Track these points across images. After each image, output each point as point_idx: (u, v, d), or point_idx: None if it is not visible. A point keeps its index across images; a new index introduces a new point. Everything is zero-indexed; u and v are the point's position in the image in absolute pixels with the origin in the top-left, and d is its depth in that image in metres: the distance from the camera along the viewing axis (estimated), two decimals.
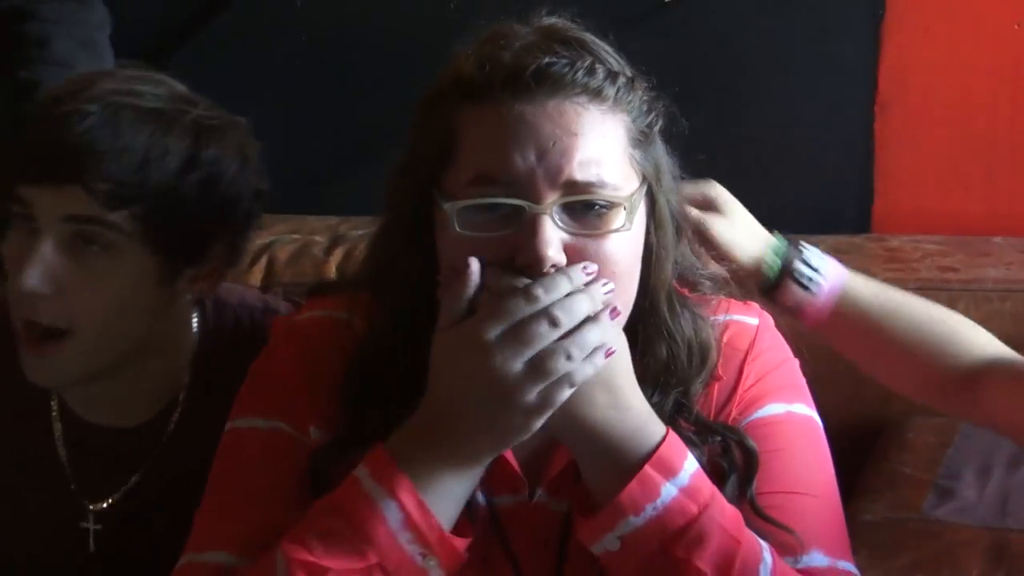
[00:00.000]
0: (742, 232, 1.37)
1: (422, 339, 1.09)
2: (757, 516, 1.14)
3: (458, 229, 1.04)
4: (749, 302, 1.30)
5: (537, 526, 1.18)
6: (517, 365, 1.00)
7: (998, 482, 1.69)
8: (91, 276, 1.29)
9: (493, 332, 1.00)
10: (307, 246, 2.04)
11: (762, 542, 1.11)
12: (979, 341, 1.40)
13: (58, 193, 1.25)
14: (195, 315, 1.47)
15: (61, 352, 1.32)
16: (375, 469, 1.07)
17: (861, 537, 1.57)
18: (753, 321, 1.28)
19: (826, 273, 1.35)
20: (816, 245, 1.61)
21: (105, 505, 1.47)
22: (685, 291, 1.22)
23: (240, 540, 1.15)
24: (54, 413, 1.46)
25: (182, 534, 1.27)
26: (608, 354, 1.03)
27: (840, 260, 1.80)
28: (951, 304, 1.65)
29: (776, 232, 1.36)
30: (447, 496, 1.08)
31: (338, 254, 1.94)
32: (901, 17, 2.13)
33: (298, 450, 1.18)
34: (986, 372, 1.36)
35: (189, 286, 1.38)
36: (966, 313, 1.59)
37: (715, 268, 1.29)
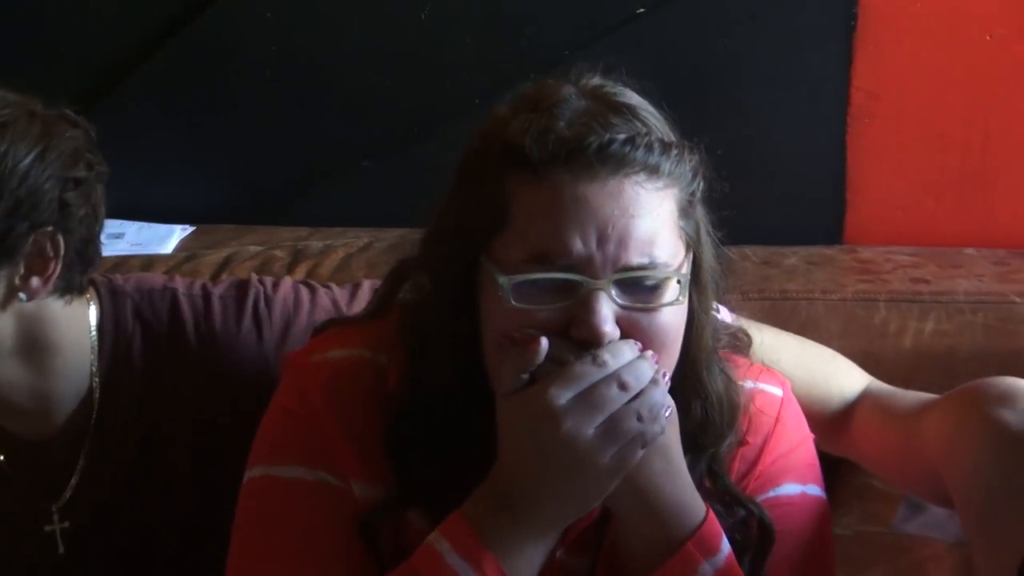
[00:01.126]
0: None
1: (463, 399, 1.13)
2: None
3: (514, 303, 1.05)
4: (772, 369, 1.32)
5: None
6: (590, 429, 1.01)
7: None
8: None
9: (564, 398, 1.01)
10: (268, 262, 2.01)
11: None
12: (851, 380, 1.47)
13: None
14: (92, 308, 1.45)
15: None
16: (458, 543, 1.09)
17: (839, 550, 1.55)
18: (777, 392, 1.29)
19: None
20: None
21: (64, 503, 1.48)
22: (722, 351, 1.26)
23: None
24: None
25: (150, 528, 1.41)
26: (665, 416, 1.05)
27: (812, 271, 1.97)
28: (923, 316, 1.83)
29: None
30: (527, 567, 1.10)
31: (300, 271, 1.92)
32: (874, 30, 2.12)
33: (346, 504, 1.19)
34: (853, 409, 1.44)
35: (16, 283, 1.36)
36: (938, 324, 1.82)
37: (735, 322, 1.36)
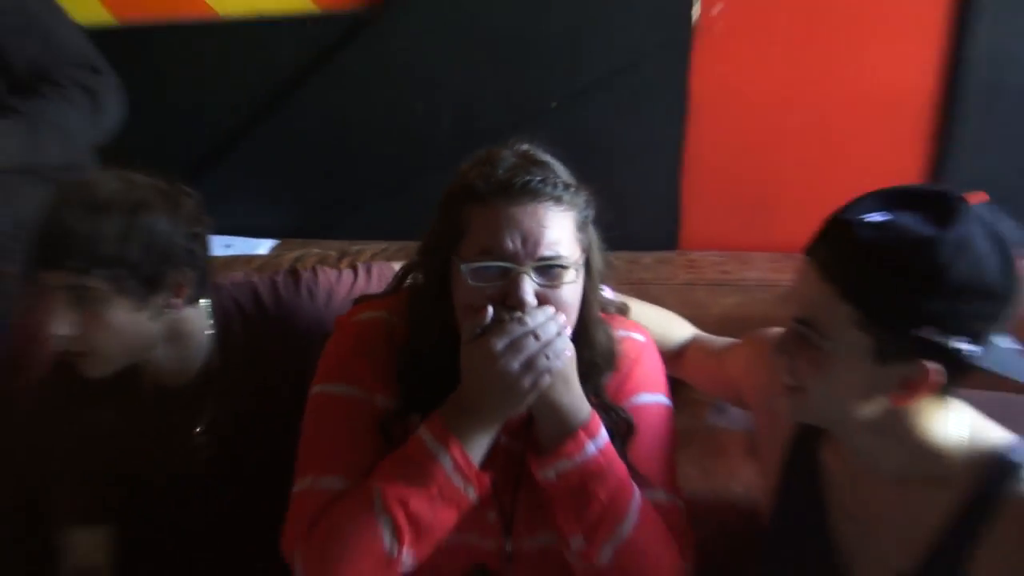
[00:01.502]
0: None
1: (443, 345, 1.35)
2: (627, 466, 1.37)
3: (470, 282, 1.30)
4: (638, 324, 1.55)
5: (502, 462, 1.39)
6: (515, 365, 1.26)
7: None
8: (92, 319, 1.49)
9: (500, 345, 1.26)
10: (323, 260, 2.14)
11: (634, 484, 1.36)
12: (684, 332, 1.69)
13: (52, 272, 1.47)
14: (206, 302, 1.64)
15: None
16: (434, 432, 1.32)
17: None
18: (641, 338, 1.51)
19: None
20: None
21: (202, 430, 1.68)
22: (604, 315, 1.46)
23: (349, 470, 1.36)
24: (146, 388, 1.65)
25: (259, 451, 1.57)
26: (565, 352, 1.29)
27: (659, 267, 2.22)
28: (725, 295, 2.08)
29: None
30: (478, 449, 1.33)
31: (343, 265, 1.97)
32: (701, 101, 2.35)
33: (371, 410, 1.40)
34: (685, 349, 1.66)
35: (167, 306, 1.55)
36: (734, 299, 2.08)
37: (617, 299, 1.57)
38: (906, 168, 2.28)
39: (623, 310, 1.56)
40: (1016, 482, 1.17)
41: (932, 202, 1.16)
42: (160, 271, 1.52)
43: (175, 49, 2.38)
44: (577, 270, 1.35)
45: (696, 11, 2.32)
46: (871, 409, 1.20)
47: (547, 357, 1.27)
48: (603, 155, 2.22)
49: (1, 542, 1.89)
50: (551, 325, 1.28)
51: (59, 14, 2.16)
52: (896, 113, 2.31)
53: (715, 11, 2.33)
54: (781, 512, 1.42)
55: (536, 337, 1.27)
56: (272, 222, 2.37)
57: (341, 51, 2.37)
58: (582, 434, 1.34)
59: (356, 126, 2.37)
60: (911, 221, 1.12)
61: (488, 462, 1.34)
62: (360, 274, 1.84)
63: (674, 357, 1.65)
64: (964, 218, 1.12)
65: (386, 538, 1.30)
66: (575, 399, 1.35)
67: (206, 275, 1.60)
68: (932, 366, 1.13)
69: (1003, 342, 1.15)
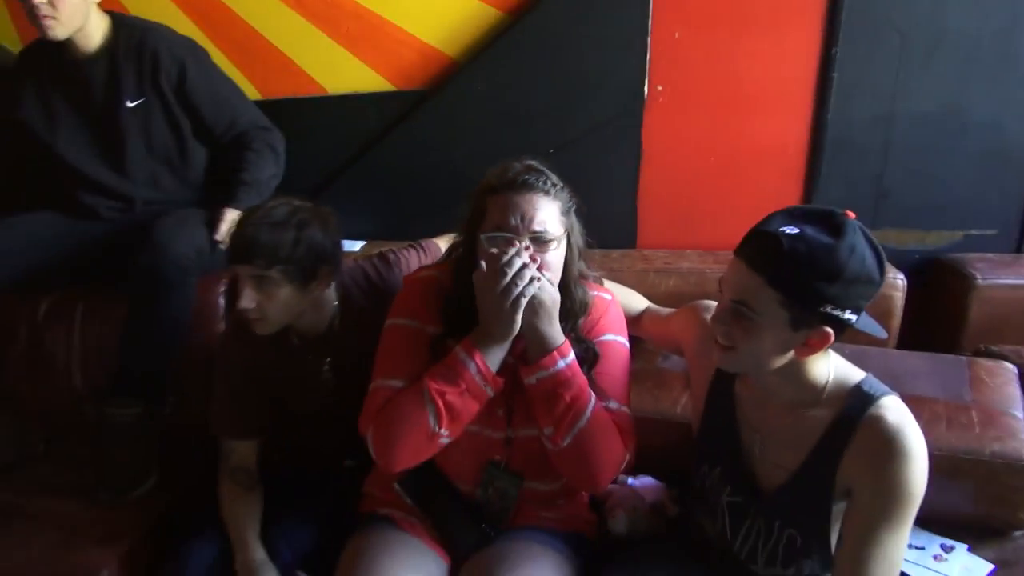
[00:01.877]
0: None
1: (472, 293, 1.33)
2: (592, 383, 1.38)
3: (487, 247, 1.31)
4: (608, 289, 1.52)
5: (508, 375, 1.37)
6: (497, 292, 1.27)
7: None
8: (269, 297, 1.49)
9: (490, 282, 1.27)
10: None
11: (592, 392, 1.36)
12: (642, 303, 1.66)
13: (244, 266, 1.48)
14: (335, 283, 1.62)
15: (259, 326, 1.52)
16: (465, 348, 1.33)
17: (633, 375, 1.66)
18: (608, 297, 1.49)
19: None
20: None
21: (327, 366, 1.65)
22: (583, 280, 1.45)
23: (406, 374, 1.37)
24: (292, 340, 1.63)
25: (366, 384, 1.48)
26: (536, 279, 1.27)
27: (623, 259, 2.16)
28: (669, 279, 2.06)
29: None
30: (493, 359, 1.34)
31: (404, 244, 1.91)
32: (649, 149, 2.25)
33: (423, 335, 1.41)
34: (641, 315, 1.63)
35: (317, 288, 1.55)
36: (674, 281, 2.06)
37: (594, 272, 1.52)
38: (787, 195, 2.24)
39: (598, 281, 1.53)
40: (868, 406, 1.17)
41: (825, 218, 1.14)
42: (316, 267, 1.52)
43: (299, 114, 2.34)
44: (559, 243, 1.34)
45: (646, 89, 2.23)
46: (780, 360, 1.19)
47: (515, 285, 1.26)
48: (584, 186, 1.97)
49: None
50: (516, 259, 1.26)
51: (236, 88, 2.12)
52: (780, 157, 2.26)
53: (659, 89, 2.23)
54: (706, 428, 1.40)
55: (504, 274, 1.26)
56: (361, 229, 2.33)
57: (408, 118, 2.33)
58: (555, 353, 1.32)
59: (418, 169, 2.33)
60: (815, 232, 1.11)
61: (499, 373, 1.34)
62: (419, 249, 1.85)
63: (634, 320, 1.61)
64: (850, 229, 1.11)
65: (431, 419, 1.30)
66: (553, 330, 1.33)
67: (339, 266, 1.60)
68: (828, 330, 1.13)
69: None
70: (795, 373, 1.21)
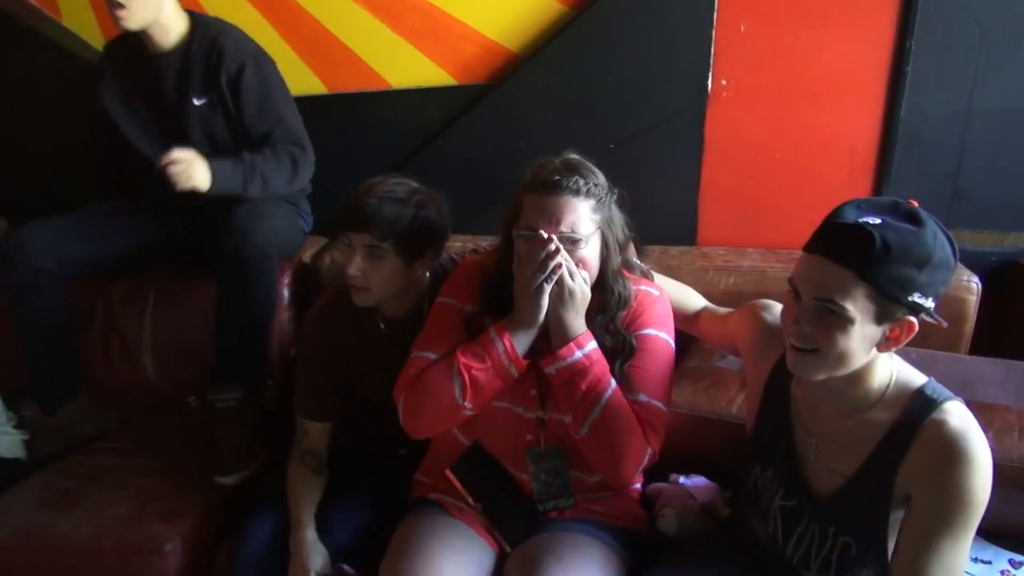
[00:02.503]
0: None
1: (510, 279, 1.39)
2: (623, 376, 1.40)
3: (523, 242, 1.36)
4: (656, 284, 1.53)
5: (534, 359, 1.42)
6: (526, 277, 1.33)
7: None
8: (376, 268, 1.55)
9: (524, 268, 1.34)
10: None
11: (612, 381, 1.37)
12: (699, 301, 1.64)
13: (360, 234, 1.53)
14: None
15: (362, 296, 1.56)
16: (496, 329, 1.39)
17: (689, 373, 1.84)
18: (655, 292, 1.50)
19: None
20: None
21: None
22: (626, 271, 1.46)
23: (442, 349, 1.42)
24: (377, 320, 1.66)
25: None
26: (559, 268, 1.30)
27: (683, 256, 2.14)
28: (728, 277, 2.03)
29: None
30: (520, 343, 1.39)
31: (469, 246, 2.01)
32: (712, 144, 2.25)
33: (461, 313, 1.46)
34: (698, 313, 1.62)
35: (419, 267, 1.60)
36: (733, 279, 2.03)
37: (642, 265, 1.53)
38: (856, 193, 2.08)
39: (646, 273, 1.53)
40: (931, 411, 1.13)
41: (896, 208, 1.13)
42: (424, 248, 1.58)
43: (364, 108, 2.39)
44: (587, 241, 1.36)
45: (710, 83, 2.22)
46: (866, 358, 1.15)
47: (539, 274, 1.31)
48: (645, 181, 2.15)
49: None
50: (542, 254, 1.31)
51: (290, 104, 2.13)
52: (849, 154, 2.20)
53: (723, 83, 2.21)
54: (761, 428, 1.37)
55: (531, 260, 1.32)
56: None
57: (470, 111, 2.35)
58: (573, 344, 1.36)
59: (479, 162, 2.35)
60: (896, 221, 1.09)
61: (533, 357, 1.39)
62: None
63: (691, 319, 1.60)
64: (926, 216, 1.10)
65: (456, 391, 1.36)
66: (576, 321, 1.37)
67: (441, 252, 1.65)
68: (913, 320, 1.11)
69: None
70: (859, 374, 1.17)
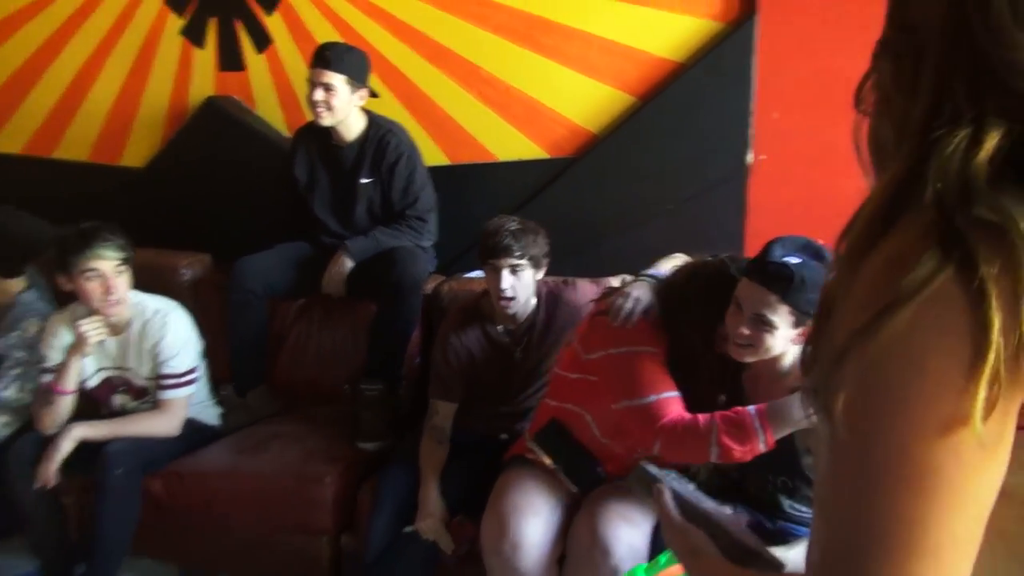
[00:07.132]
0: None
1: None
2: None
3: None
4: None
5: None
6: None
7: None
8: (520, 280, 1.96)
9: None
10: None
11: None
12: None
13: (503, 262, 1.95)
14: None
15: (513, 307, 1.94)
16: (760, 421, 1.50)
17: None
18: None
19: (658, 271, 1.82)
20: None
21: (522, 346, 2.08)
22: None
23: (668, 387, 1.64)
24: (498, 324, 2.08)
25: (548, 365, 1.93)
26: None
27: None
28: None
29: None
30: (780, 433, 1.50)
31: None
32: (753, 211, 2.60)
33: (659, 357, 1.69)
34: None
35: (542, 275, 1.98)
36: None
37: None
38: None
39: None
40: None
41: (808, 247, 1.48)
42: (543, 260, 2.01)
43: (476, 177, 2.87)
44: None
45: (750, 157, 2.62)
46: (782, 350, 1.54)
47: None
48: (700, 236, 2.54)
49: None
50: None
51: (426, 185, 2.60)
52: None
53: (761, 158, 2.62)
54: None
55: None
56: None
57: (557, 179, 2.83)
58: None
59: (565, 216, 2.70)
60: (807, 259, 1.45)
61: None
62: (585, 280, 2.26)
63: None
64: (828, 254, 1.36)
65: (712, 455, 1.52)
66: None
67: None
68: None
69: None
70: (778, 358, 1.56)
